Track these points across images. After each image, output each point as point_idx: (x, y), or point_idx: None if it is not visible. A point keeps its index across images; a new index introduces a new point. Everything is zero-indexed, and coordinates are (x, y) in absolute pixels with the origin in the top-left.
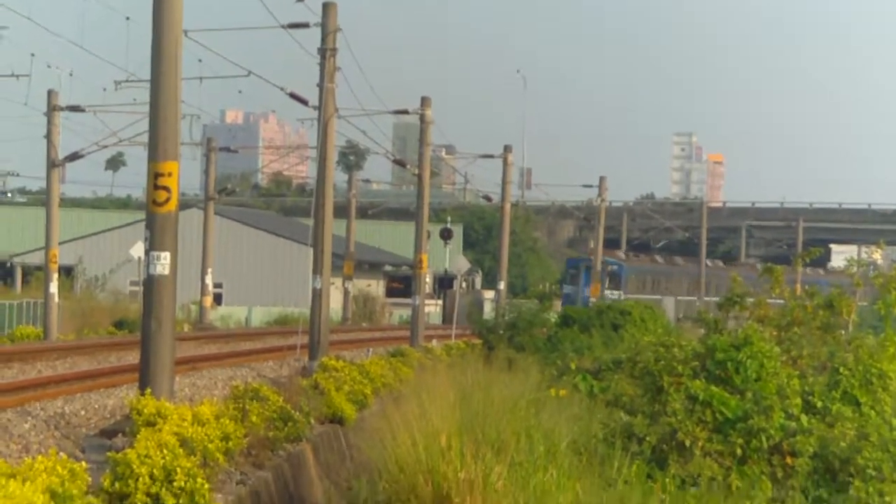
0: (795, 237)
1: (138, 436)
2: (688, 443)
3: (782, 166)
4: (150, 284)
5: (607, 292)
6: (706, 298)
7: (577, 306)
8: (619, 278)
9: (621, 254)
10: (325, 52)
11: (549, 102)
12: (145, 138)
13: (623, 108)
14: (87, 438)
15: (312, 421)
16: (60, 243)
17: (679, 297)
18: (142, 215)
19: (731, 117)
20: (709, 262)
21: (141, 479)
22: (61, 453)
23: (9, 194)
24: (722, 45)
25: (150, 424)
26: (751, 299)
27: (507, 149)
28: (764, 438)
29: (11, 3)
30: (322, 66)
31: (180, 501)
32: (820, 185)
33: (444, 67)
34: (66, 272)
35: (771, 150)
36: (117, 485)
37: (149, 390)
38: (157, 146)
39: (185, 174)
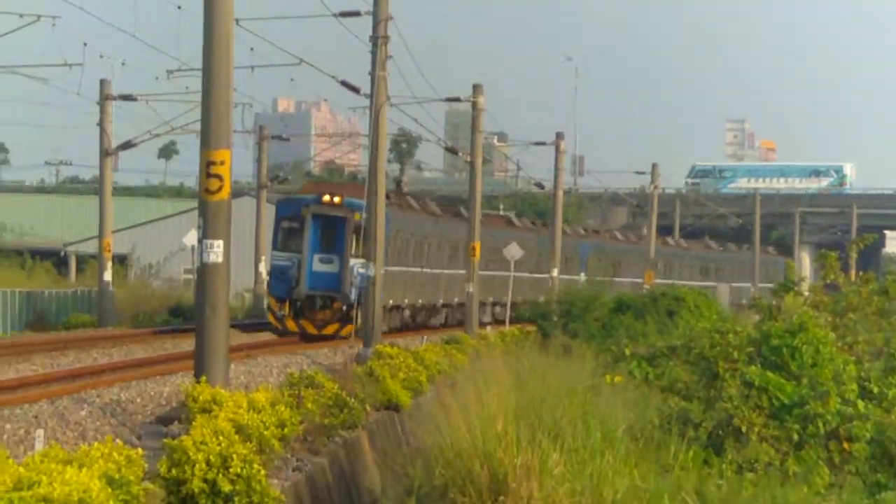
0: (850, 223)
1: (194, 423)
2: (744, 428)
3: (836, 153)
4: (204, 272)
5: (356, 265)
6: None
7: (301, 291)
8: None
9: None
10: (377, 40)
11: (602, 89)
12: (197, 127)
13: (675, 94)
14: (143, 425)
15: (368, 408)
16: (114, 232)
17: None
18: (195, 203)
19: (784, 104)
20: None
21: (197, 465)
22: (117, 440)
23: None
24: (775, 32)
25: (206, 411)
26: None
27: (559, 136)
28: (821, 424)
29: None
30: (373, 54)
31: (237, 487)
32: (875, 172)
33: (496, 55)
34: (120, 260)
35: (825, 137)
36: (174, 471)
37: (204, 378)
38: (210, 135)
39: (237, 162)
